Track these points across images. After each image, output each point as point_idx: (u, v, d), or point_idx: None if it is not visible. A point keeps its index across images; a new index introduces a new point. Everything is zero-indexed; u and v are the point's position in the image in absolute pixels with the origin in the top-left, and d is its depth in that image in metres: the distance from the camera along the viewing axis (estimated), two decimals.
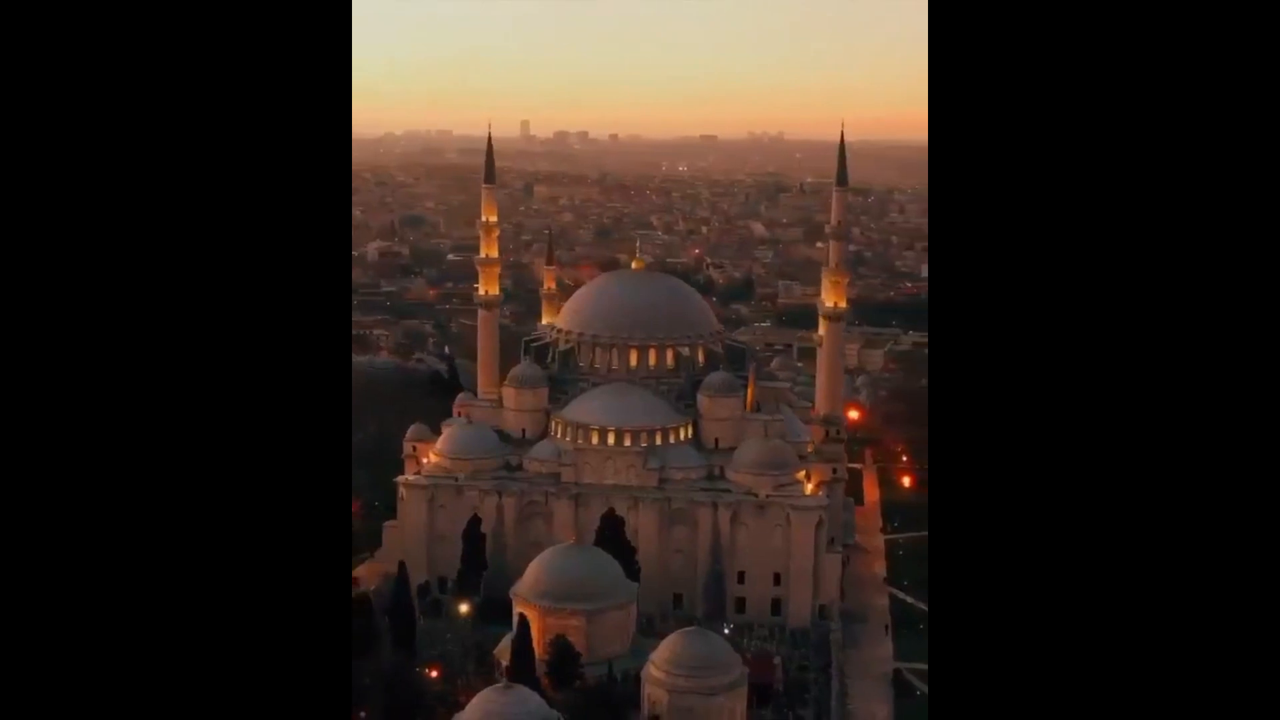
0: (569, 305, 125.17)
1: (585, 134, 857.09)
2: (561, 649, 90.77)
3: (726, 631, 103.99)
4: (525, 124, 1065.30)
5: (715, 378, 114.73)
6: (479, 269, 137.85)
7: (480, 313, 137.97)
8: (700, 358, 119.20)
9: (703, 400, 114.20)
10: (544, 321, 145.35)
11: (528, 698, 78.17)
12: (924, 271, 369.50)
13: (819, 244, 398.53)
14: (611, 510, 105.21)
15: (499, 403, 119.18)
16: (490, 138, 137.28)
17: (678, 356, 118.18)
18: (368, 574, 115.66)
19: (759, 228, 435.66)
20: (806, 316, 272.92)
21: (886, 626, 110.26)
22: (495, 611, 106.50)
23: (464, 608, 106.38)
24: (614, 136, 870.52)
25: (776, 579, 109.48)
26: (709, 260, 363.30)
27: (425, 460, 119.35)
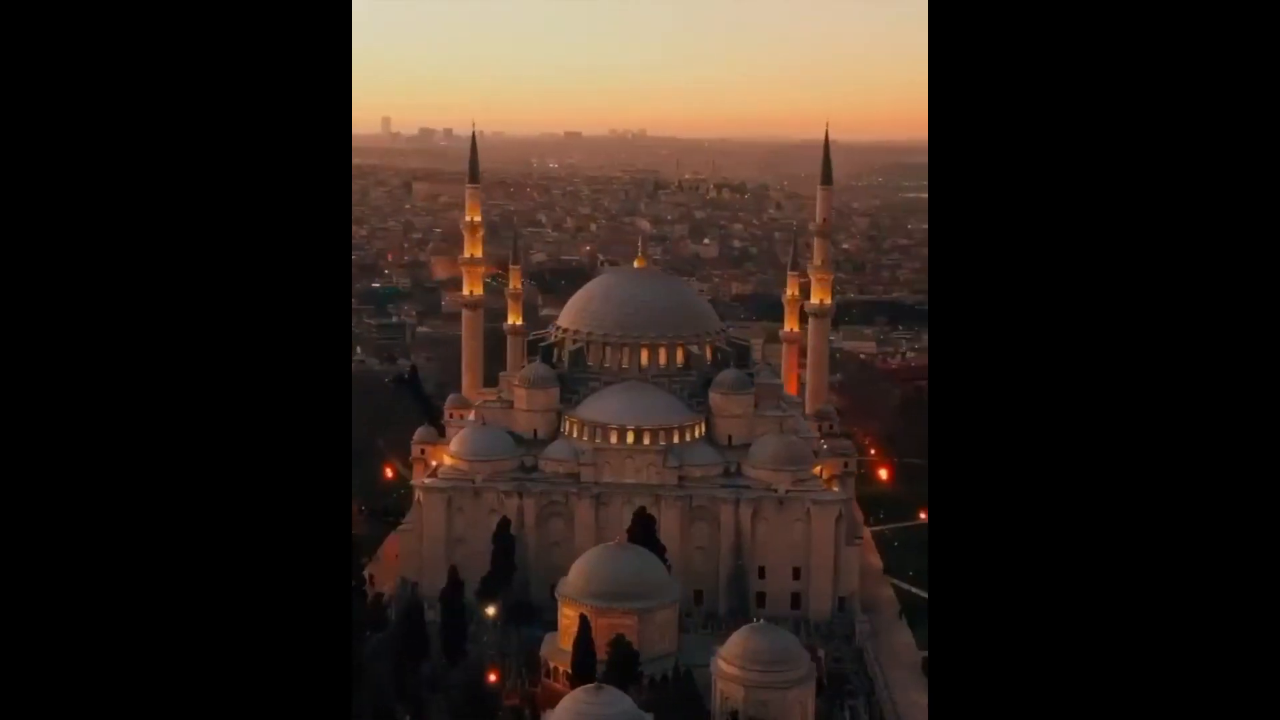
0: (572, 305, 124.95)
1: (450, 131, 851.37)
2: (622, 648, 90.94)
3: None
4: (387, 120, 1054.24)
5: (727, 375, 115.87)
6: (462, 270, 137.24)
7: (464, 313, 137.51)
8: (708, 355, 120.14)
9: (715, 398, 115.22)
10: (509, 321, 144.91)
11: (619, 699, 78.42)
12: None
13: (705, 240, 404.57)
14: (643, 509, 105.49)
15: (506, 404, 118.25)
16: (474, 136, 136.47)
17: (688, 354, 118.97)
18: (376, 577, 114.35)
19: (645, 224, 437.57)
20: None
21: (900, 614, 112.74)
22: (519, 613, 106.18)
23: (490, 610, 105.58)
24: (479, 133, 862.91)
25: (796, 573, 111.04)
26: (602, 258, 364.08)
27: (435, 463, 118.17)
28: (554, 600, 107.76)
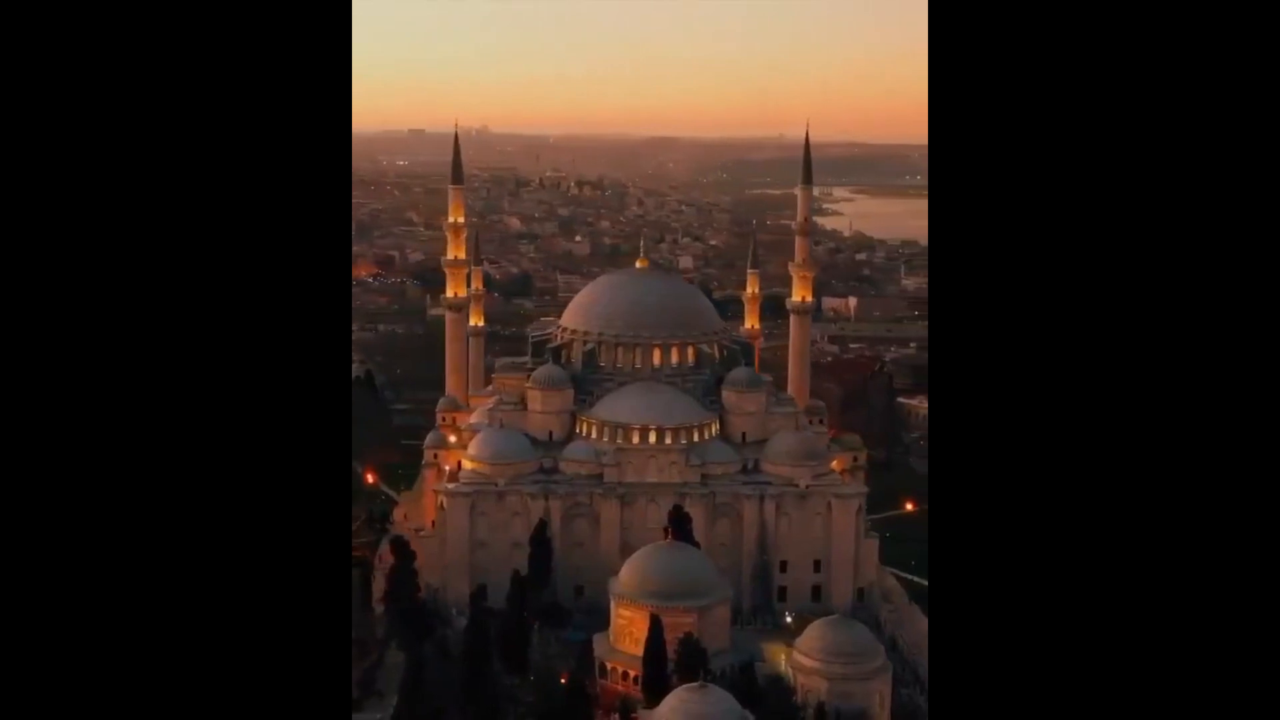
0: (576, 305, 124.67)
1: None
2: (690, 646, 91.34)
3: (788, 619, 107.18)
4: None
5: (740, 373, 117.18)
6: (446, 271, 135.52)
7: (448, 315, 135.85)
8: (716, 354, 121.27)
9: (729, 395, 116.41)
10: (472, 322, 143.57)
11: (724, 698, 79.09)
12: (681, 263, 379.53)
13: (577, 238, 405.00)
14: (678, 508, 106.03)
15: (518, 405, 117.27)
16: (457, 137, 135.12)
17: (698, 353, 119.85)
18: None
19: (515, 222, 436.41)
20: None
21: (910, 601, 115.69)
22: (551, 615, 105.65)
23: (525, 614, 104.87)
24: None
25: (816, 566, 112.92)
26: (482, 256, 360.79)
27: (448, 467, 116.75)
28: (581, 602, 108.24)
